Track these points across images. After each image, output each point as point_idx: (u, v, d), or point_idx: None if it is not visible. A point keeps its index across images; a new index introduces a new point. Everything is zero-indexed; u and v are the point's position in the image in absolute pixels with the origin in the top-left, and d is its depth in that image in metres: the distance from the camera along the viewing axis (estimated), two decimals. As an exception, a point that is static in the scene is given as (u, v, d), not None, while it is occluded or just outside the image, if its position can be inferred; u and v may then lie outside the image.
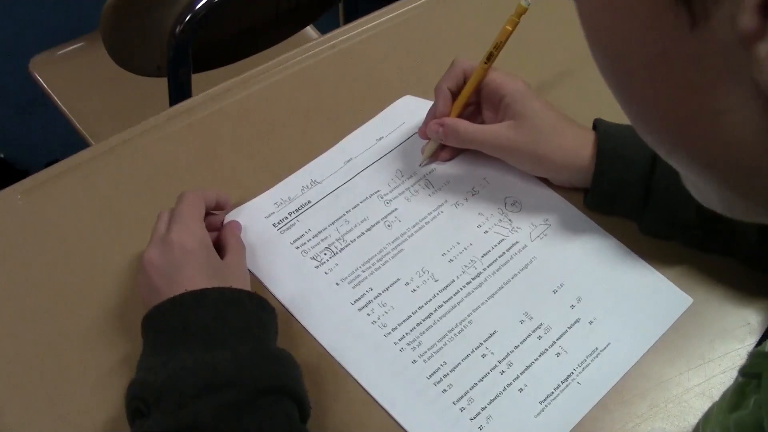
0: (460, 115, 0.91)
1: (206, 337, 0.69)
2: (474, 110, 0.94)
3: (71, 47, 1.81)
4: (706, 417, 0.52)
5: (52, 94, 1.70)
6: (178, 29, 1.22)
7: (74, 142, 1.49)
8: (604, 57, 0.37)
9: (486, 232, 0.88)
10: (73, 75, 1.75)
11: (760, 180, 0.35)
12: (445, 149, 0.94)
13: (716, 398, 0.51)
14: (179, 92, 1.30)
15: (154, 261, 0.75)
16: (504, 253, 0.86)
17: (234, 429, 0.63)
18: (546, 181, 0.91)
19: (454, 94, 0.90)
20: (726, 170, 0.36)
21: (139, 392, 0.65)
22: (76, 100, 1.70)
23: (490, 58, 0.88)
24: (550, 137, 0.86)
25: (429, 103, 0.94)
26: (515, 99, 0.87)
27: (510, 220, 0.89)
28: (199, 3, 1.20)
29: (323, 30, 1.75)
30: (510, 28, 0.87)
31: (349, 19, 1.57)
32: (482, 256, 0.86)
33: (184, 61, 1.27)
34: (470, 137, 0.89)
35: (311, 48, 1.08)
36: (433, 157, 0.94)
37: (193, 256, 0.75)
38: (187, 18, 1.21)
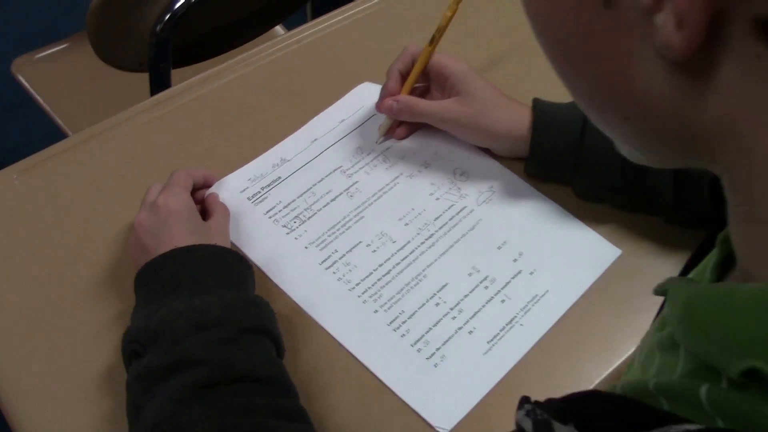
0: (411, 94, 1.01)
1: (194, 286, 0.78)
2: (424, 90, 1.04)
3: (51, 50, 1.88)
4: (641, 344, 0.55)
5: (35, 94, 1.76)
6: (158, 27, 1.30)
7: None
8: (544, 35, 0.44)
9: (437, 199, 0.97)
10: (54, 76, 1.82)
11: (664, 126, 0.41)
12: (400, 127, 1.04)
13: (640, 337, 0.56)
14: (160, 86, 1.38)
15: (143, 223, 0.85)
16: (453, 216, 0.95)
17: (222, 360, 0.72)
18: (490, 153, 1.01)
19: (404, 76, 1.01)
20: (640, 121, 0.41)
21: (136, 336, 0.75)
22: (59, 100, 1.76)
23: (433, 40, 0.98)
24: (491, 111, 0.96)
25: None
26: (459, 78, 0.97)
27: (458, 188, 0.98)
28: (177, 3, 1.29)
29: (292, 28, 1.84)
30: (449, 14, 0.97)
31: (317, 15, 1.66)
32: (434, 220, 0.95)
33: (164, 57, 1.36)
34: (421, 111, 0.99)
35: (280, 42, 1.18)
36: (389, 133, 1.04)
37: (178, 217, 0.85)
38: (167, 17, 1.30)
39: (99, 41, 1.33)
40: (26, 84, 1.78)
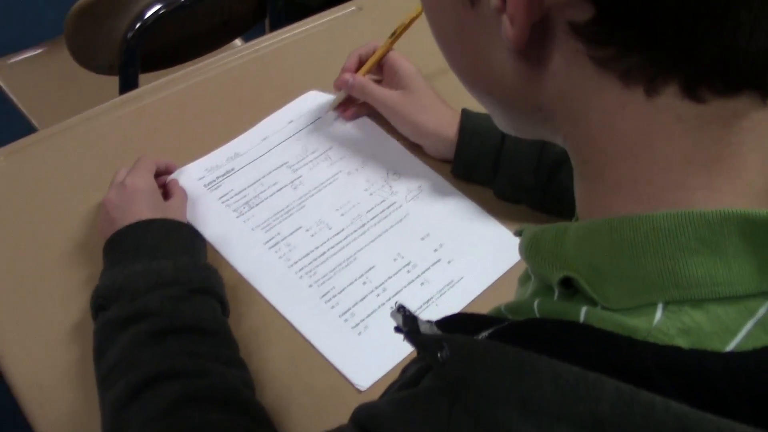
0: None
1: (153, 253, 0.88)
2: (376, 82, 1.17)
3: (25, 55, 1.97)
4: None
5: (10, 95, 1.84)
6: (129, 35, 1.41)
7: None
8: (432, 27, 0.52)
9: (371, 194, 1.09)
10: (28, 79, 1.90)
11: (514, 101, 0.49)
12: (348, 110, 1.18)
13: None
14: (128, 88, 1.46)
15: (112, 199, 0.96)
16: (384, 210, 1.07)
17: (174, 313, 0.82)
18: (421, 157, 1.13)
19: (363, 62, 1.15)
20: (498, 96, 0.50)
21: (102, 292, 0.85)
22: (33, 101, 1.84)
23: (394, 34, 1.12)
24: (426, 110, 1.10)
25: (329, 96, 1.19)
26: (406, 76, 1.12)
27: (390, 186, 1.10)
28: (147, 13, 1.40)
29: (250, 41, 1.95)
30: (413, 14, 1.12)
31: (273, 30, 1.77)
32: (367, 212, 1.07)
33: (132, 61, 1.46)
34: (369, 91, 1.13)
35: (238, 51, 1.31)
36: (338, 110, 1.18)
37: (142, 195, 0.96)
38: (137, 25, 1.41)
39: (75, 44, 1.43)
40: (2, 85, 1.86)
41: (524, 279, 0.56)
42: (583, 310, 0.43)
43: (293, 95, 1.23)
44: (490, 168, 1.06)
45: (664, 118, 0.42)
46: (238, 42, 1.98)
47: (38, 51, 1.99)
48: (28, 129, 1.79)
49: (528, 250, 0.50)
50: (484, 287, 0.99)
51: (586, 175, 0.48)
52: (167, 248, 0.90)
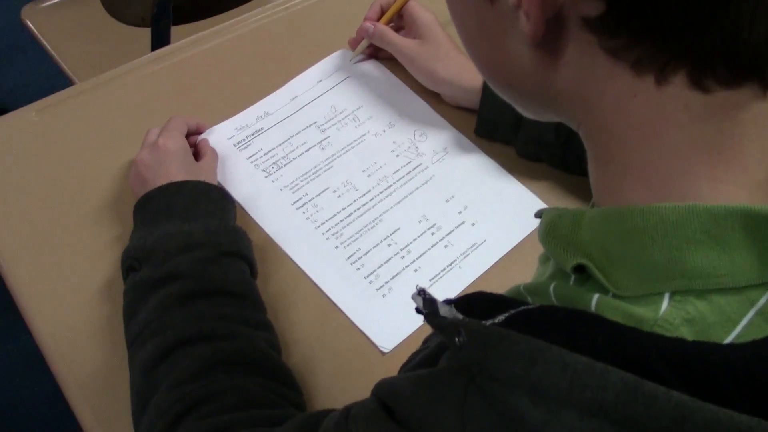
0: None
1: (184, 215, 0.91)
2: (396, 29, 1.20)
3: (54, 0, 1.95)
4: None
5: (42, 40, 1.84)
6: (162, -13, 1.42)
7: (59, 86, 1.62)
8: (454, 21, 0.56)
9: (398, 155, 1.10)
10: (59, 24, 1.89)
11: (532, 89, 0.52)
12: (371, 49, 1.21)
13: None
14: (160, 41, 1.50)
15: (144, 159, 0.98)
16: (410, 171, 1.08)
17: (203, 275, 0.85)
18: (447, 116, 1.14)
19: (384, 11, 1.18)
20: (517, 85, 0.53)
21: (133, 253, 0.88)
22: (63, 46, 1.83)
23: None
24: (442, 58, 1.13)
25: (358, 56, 1.20)
26: (424, 24, 1.14)
27: (417, 147, 1.12)
28: None
29: None
30: None
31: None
32: (393, 173, 1.08)
33: (165, 13, 1.47)
34: (388, 39, 1.16)
35: (269, 9, 1.31)
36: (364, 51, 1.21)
37: (175, 156, 0.98)
38: None
39: (107, -3, 1.44)
40: (34, 30, 1.86)
41: (544, 259, 0.59)
42: (595, 297, 0.46)
43: (323, 53, 1.24)
44: (512, 127, 1.08)
45: (672, 107, 0.45)
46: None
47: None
48: (58, 73, 1.81)
49: (545, 235, 0.52)
50: (506, 251, 1.01)
51: (599, 160, 0.51)
52: (198, 210, 0.92)
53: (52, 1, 1.96)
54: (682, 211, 0.44)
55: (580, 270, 0.48)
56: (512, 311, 0.47)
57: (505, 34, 0.50)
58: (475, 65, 0.57)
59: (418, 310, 0.55)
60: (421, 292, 0.54)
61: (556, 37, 0.46)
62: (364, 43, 1.19)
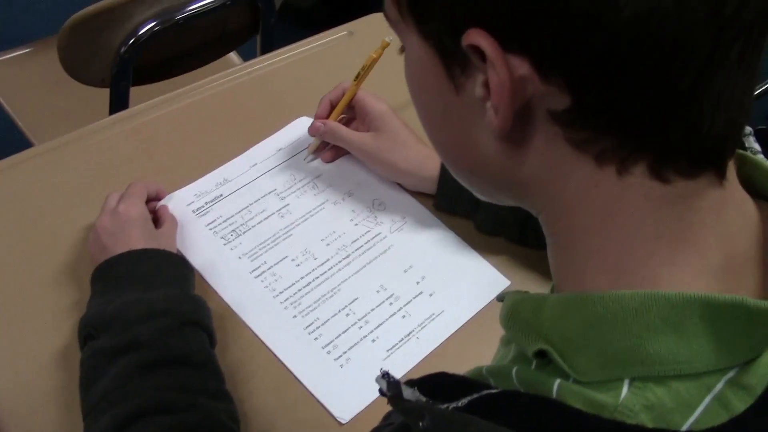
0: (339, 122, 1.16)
1: (145, 283, 0.90)
2: (348, 120, 1.19)
3: (12, 54, 1.96)
4: None
5: None
6: (122, 49, 1.42)
7: (14, 142, 1.60)
8: (417, 105, 0.56)
9: (356, 224, 1.11)
10: (15, 79, 1.89)
11: (495, 176, 0.52)
12: (327, 152, 1.18)
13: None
14: (119, 102, 1.50)
15: (105, 225, 0.98)
16: (369, 240, 1.09)
17: (164, 345, 0.84)
18: (405, 187, 1.15)
19: (334, 106, 1.15)
20: (480, 172, 0.53)
21: (92, 321, 0.87)
22: (19, 103, 1.83)
23: (358, 77, 1.13)
24: (400, 149, 1.11)
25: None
26: (376, 116, 1.12)
27: (375, 216, 1.12)
28: (142, 29, 1.41)
29: (245, 54, 1.94)
30: (375, 56, 1.12)
31: (264, 47, 1.80)
32: (352, 242, 1.08)
33: (125, 75, 1.47)
34: (341, 136, 1.14)
35: (232, 73, 1.32)
36: (316, 153, 1.19)
37: (136, 223, 0.98)
38: (131, 40, 1.42)
39: (67, 58, 1.43)
40: None
41: (506, 341, 0.60)
42: (556, 383, 0.46)
43: (284, 119, 1.24)
44: (471, 202, 1.09)
45: (632, 196, 0.46)
46: (233, 56, 2.00)
47: (26, 51, 1.97)
48: (9, 127, 1.79)
49: (507, 320, 0.53)
50: (463, 322, 1.02)
51: (559, 245, 0.52)
52: (159, 279, 0.92)
53: (9, 56, 1.95)
54: (642, 299, 0.44)
55: (541, 355, 0.49)
56: (475, 395, 0.47)
57: (472, 124, 0.50)
58: (436, 150, 0.57)
59: (381, 392, 0.55)
60: (386, 375, 0.54)
61: (523, 128, 0.47)
62: (316, 142, 1.18)
